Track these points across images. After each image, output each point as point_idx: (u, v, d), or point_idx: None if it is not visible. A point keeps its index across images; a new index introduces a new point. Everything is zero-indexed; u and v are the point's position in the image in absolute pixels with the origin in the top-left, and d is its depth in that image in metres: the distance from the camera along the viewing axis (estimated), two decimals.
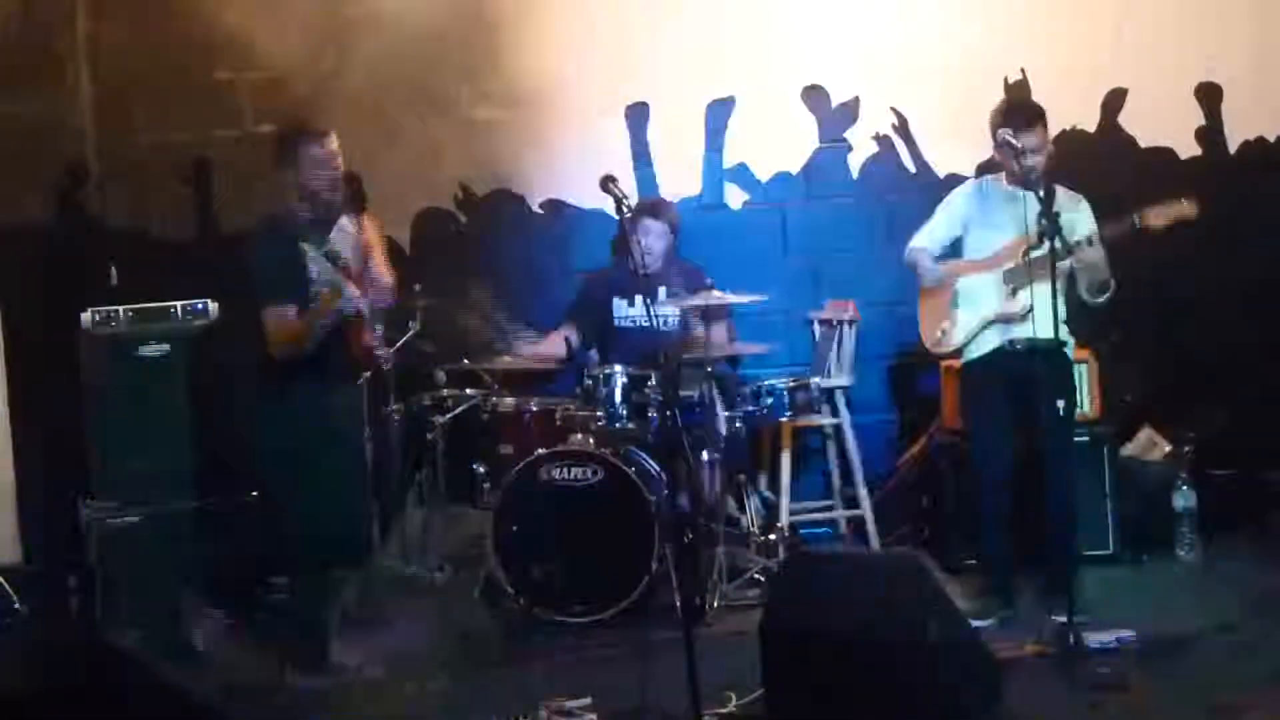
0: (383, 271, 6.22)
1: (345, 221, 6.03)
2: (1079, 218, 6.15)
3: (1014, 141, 6.03)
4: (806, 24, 8.20)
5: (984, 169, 7.39)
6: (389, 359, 6.66)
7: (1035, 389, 5.85)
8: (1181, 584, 6.86)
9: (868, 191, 8.28)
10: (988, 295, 6.18)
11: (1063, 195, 6.17)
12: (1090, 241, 5.97)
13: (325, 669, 5.85)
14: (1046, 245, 5.79)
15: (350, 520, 5.94)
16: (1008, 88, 7.95)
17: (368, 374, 6.47)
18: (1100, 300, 6.14)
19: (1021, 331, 6.03)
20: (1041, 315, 5.92)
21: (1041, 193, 5.90)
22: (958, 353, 6.46)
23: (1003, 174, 6.31)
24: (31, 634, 6.34)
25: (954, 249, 6.49)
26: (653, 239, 7.43)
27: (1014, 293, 6.07)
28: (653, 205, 7.61)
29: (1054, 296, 5.73)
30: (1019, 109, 6.35)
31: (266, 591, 6.95)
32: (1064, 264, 5.97)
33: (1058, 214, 5.90)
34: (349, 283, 5.83)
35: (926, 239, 6.50)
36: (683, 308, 7.26)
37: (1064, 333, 6.11)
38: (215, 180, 8.22)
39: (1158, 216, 5.92)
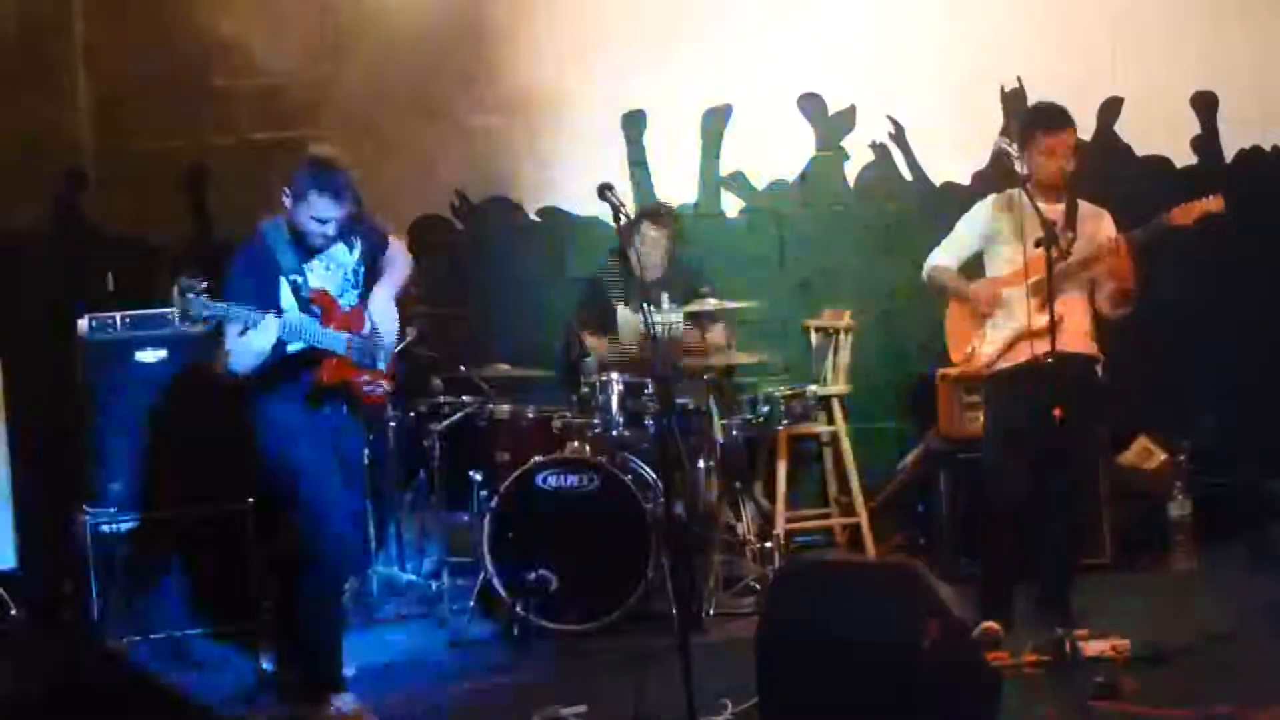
0: (381, 310, 5.80)
1: (340, 249, 5.71)
2: (1101, 230, 6.09)
3: (1010, 150, 5.99)
4: (803, 32, 8.21)
5: (980, 178, 7.43)
6: (381, 391, 5.90)
7: (1059, 403, 5.77)
8: (1177, 593, 6.86)
9: (864, 199, 8.29)
10: (1015, 309, 6.09)
11: (1084, 208, 6.12)
12: (1118, 245, 5.92)
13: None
14: (1057, 255, 5.76)
15: (328, 546, 5.61)
16: (1004, 96, 7.97)
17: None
18: (1123, 311, 6.09)
19: (1050, 345, 5.87)
20: (1071, 328, 5.87)
21: (1049, 203, 5.87)
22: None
23: (1025, 186, 6.18)
24: (26, 639, 6.34)
25: (974, 263, 6.36)
26: (649, 246, 7.41)
27: (1043, 304, 5.96)
28: (651, 211, 7.58)
29: (1051, 309, 5.71)
30: (1046, 112, 6.22)
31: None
32: (1086, 274, 5.97)
33: (1056, 223, 5.88)
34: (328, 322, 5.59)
35: (947, 256, 6.33)
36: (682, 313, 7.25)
37: (1093, 348, 6.10)
38: (212, 187, 8.21)
39: (1185, 213, 5.89)
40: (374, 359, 5.74)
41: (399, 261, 5.95)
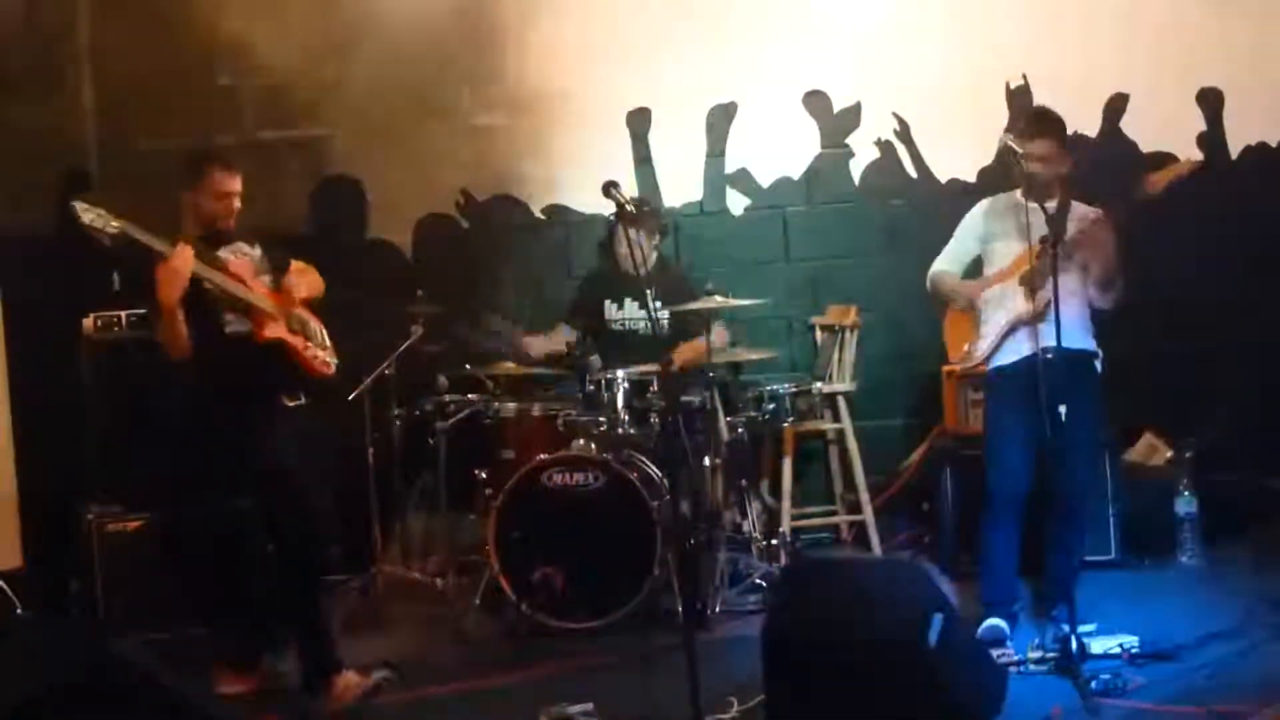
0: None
1: (243, 244, 5.92)
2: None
3: (1015, 147, 5.98)
4: (808, 29, 8.21)
5: (986, 174, 7.43)
6: (327, 361, 6.04)
7: (1061, 398, 5.75)
8: (1183, 590, 6.84)
9: (869, 196, 8.28)
10: (1010, 301, 6.10)
11: (1077, 209, 6.11)
12: (1099, 218, 5.91)
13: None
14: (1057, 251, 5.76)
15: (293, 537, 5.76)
16: (1009, 93, 7.96)
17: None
18: (1111, 297, 6.07)
19: (1052, 340, 5.87)
20: (1069, 321, 5.86)
21: (1044, 202, 5.87)
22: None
23: (1015, 190, 6.18)
24: (32, 638, 6.33)
25: (975, 269, 6.35)
26: (633, 244, 7.32)
27: (1033, 292, 5.97)
28: (633, 216, 7.40)
29: (1056, 303, 5.70)
30: (1026, 117, 6.25)
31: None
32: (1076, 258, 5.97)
33: (1061, 219, 5.88)
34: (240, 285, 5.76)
35: (948, 262, 6.35)
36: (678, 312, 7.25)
37: (1092, 343, 6.09)
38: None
39: (1158, 181, 5.87)
40: (306, 329, 5.92)
41: (312, 272, 6.15)
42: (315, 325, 6.04)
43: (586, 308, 7.64)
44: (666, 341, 7.21)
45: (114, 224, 5.42)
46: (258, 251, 5.95)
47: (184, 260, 5.50)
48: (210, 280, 5.62)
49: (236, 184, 5.81)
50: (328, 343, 6.06)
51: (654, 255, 7.44)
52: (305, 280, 6.06)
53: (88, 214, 5.38)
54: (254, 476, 5.78)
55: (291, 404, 5.86)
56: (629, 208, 5.52)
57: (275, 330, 5.79)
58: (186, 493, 6.53)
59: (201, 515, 6.06)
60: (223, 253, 5.79)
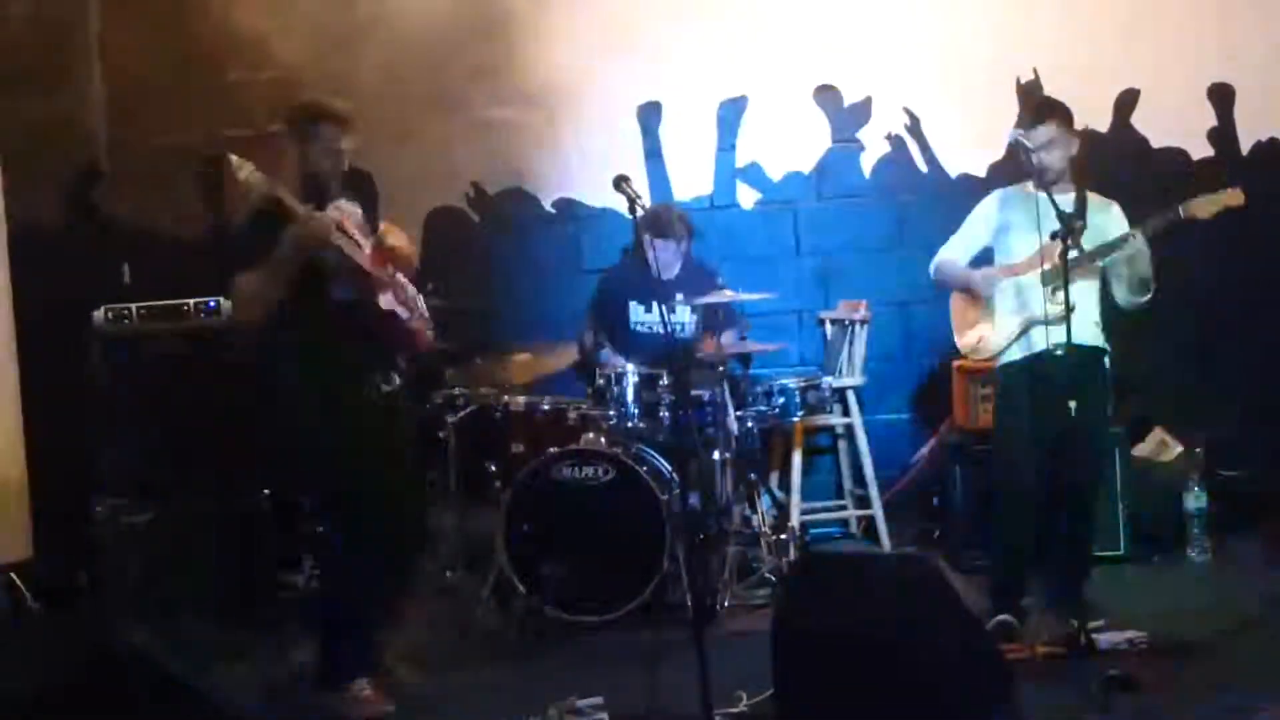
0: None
1: (344, 202, 5.66)
2: (1110, 222, 6.06)
3: (1025, 141, 5.97)
4: (819, 23, 8.21)
5: (997, 169, 7.41)
6: (430, 331, 5.93)
7: (1071, 395, 5.75)
8: (1192, 585, 6.85)
9: (880, 191, 8.28)
10: (1028, 298, 6.08)
11: (1093, 200, 6.10)
12: (1134, 235, 5.90)
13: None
14: (1072, 246, 5.74)
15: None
16: (1019, 87, 7.95)
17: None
18: (1141, 301, 6.06)
19: (1063, 336, 5.78)
20: (1081, 318, 5.85)
21: (1057, 192, 5.86)
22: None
23: (1029, 181, 6.16)
24: (43, 631, 6.35)
25: (983, 258, 6.31)
26: (662, 254, 7.34)
27: (1054, 293, 5.95)
28: (661, 225, 7.33)
29: (1066, 297, 5.69)
30: (1029, 106, 6.25)
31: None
32: (1101, 263, 5.95)
33: (1073, 214, 5.87)
34: (360, 249, 5.53)
35: (956, 251, 6.31)
36: (694, 308, 7.26)
37: (1102, 339, 6.08)
38: (227, 180, 8.21)
39: (1203, 207, 5.86)
40: (407, 296, 5.75)
41: (399, 232, 5.93)
42: (413, 292, 5.82)
43: (609, 306, 7.61)
44: (689, 343, 7.22)
45: (266, 182, 5.29)
46: (358, 210, 5.72)
47: (325, 224, 5.37)
48: (338, 245, 5.42)
49: (348, 142, 5.64)
50: (426, 313, 5.87)
51: (678, 263, 7.41)
52: (400, 244, 5.84)
53: (242, 170, 5.27)
54: (352, 470, 5.52)
55: (387, 387, 5.64)
56: (639, 203, 5.49)
57: (389, 301, 5.58)
58: (199, 484, 6.57)
59: (214, 508, 6.06)
60: (331, 210, 5.55)
